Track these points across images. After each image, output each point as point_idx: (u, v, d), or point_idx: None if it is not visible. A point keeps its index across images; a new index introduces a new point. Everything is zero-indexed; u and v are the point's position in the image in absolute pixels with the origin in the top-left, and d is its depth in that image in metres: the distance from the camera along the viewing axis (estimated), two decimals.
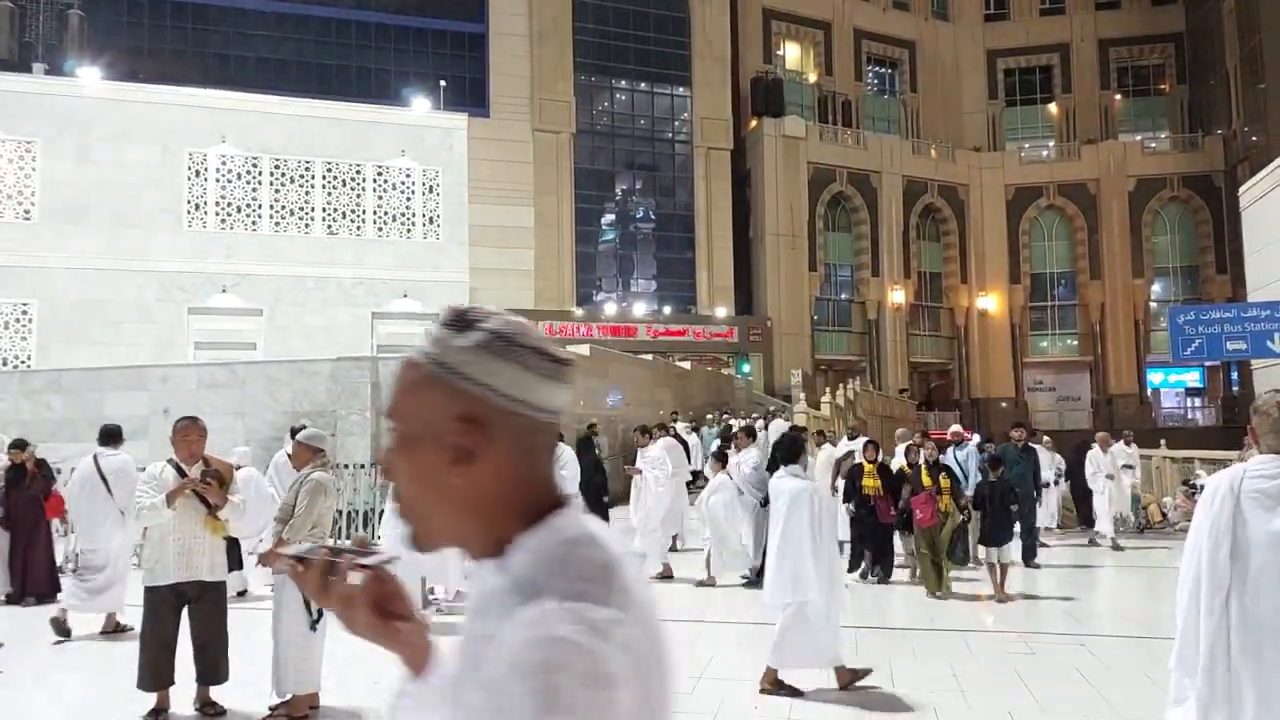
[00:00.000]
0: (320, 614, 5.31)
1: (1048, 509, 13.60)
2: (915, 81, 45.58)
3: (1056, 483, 14.16)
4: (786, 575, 5.93)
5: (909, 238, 42.22)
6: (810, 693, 6.02)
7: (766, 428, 19.16)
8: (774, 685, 5.97)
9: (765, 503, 10.23)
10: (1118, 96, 45.51)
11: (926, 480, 9.67)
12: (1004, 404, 43.09)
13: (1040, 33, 45.71)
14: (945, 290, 43.91)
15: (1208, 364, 39.59)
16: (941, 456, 10.59)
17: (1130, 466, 14.58)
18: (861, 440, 14.26)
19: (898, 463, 11.51)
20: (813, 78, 43.56)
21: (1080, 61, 45.30)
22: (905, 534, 10.40)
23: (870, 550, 10.37)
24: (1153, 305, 42.97)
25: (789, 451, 6.53)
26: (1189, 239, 43.29)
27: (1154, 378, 43.34)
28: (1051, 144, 45.20)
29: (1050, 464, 13.98)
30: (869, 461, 10.54)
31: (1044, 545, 12.87)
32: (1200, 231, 42.82)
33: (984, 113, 46.04)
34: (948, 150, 43.71)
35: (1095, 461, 13.63)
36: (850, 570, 9.96)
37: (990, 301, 43.55)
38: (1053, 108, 46.01)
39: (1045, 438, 14.89)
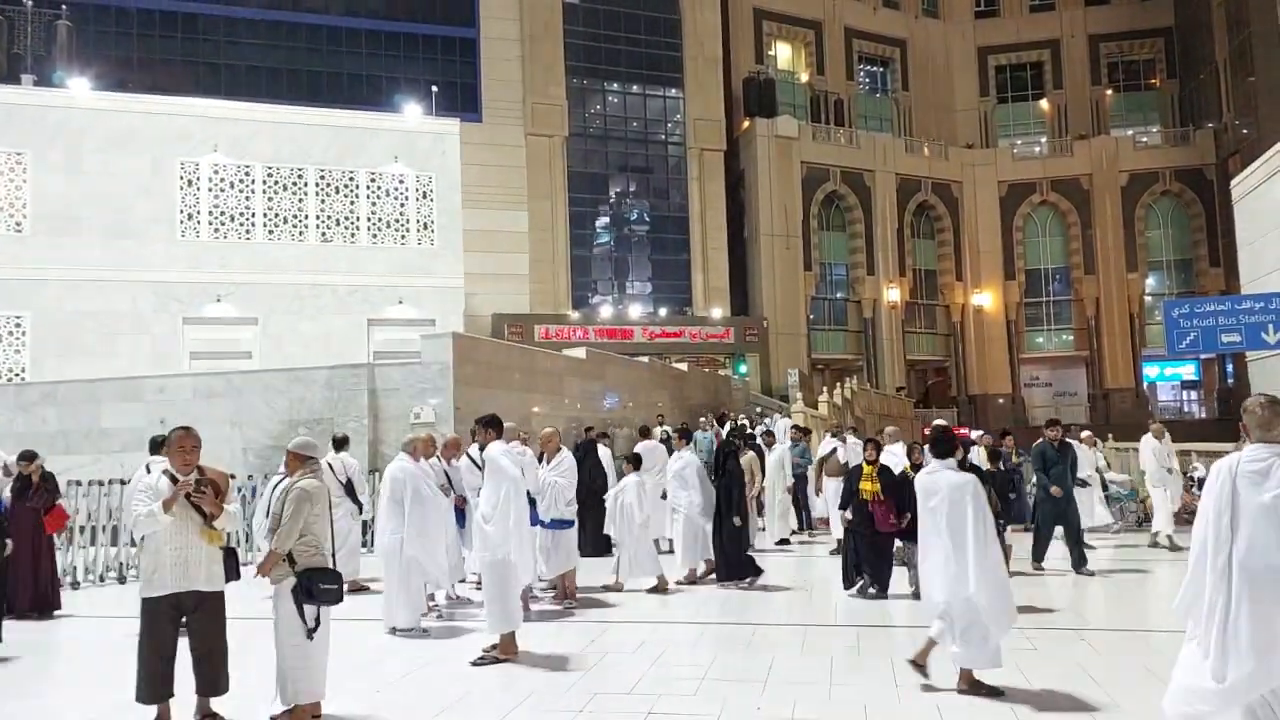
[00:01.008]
0: (316, 624, 5.27)
1: (1090, 508, 12.95)
2: (907, 80, 45.69)
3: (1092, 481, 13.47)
4: (950, 573, 5.86)
5: (903, 236, 42.30)
6: (819, 692, 6.00)
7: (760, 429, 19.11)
8: (971, 685, 5.91)
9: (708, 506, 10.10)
10: (1109, 92, 45.67)
11: None
12: (1001, 400, 43.19)
13: (1030, 29, 45.89)
14: (940, 287, 44.00)
15: (1203, 357, 39.70)
16: (968, 458, 9.52)
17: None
18: (853, 441, 14.07)
19: (896, 463, 11.50)
20: (805, 77, 43.64)
21: (1071, 57, 45.47)
22: (911, 543, 9.60)
23: (867, 563, 9.31)
24: (1147, 299, 43.10)
25: (944, 446, 6.28)
26: (1182, 232, 43.45)
27: (1150, 371, 43.44)
28: (1044, 140, 45.36)
29: (1091, 461, 13.44)
30: (868, 463, 9.55)
31: (1089, 546, 12.65)
32: (1193, 225, 42.99)
33: (976, 110, 46.17)
34: (940, 148, 43.82)
35: (1156, 453, 13.05)
36: (846, 586, 9.39)
37: (985, 298, 43.65)
38: (1044, 104, 46.17)
39: (1085, 433, 14.41)
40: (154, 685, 5.29)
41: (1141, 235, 43.19)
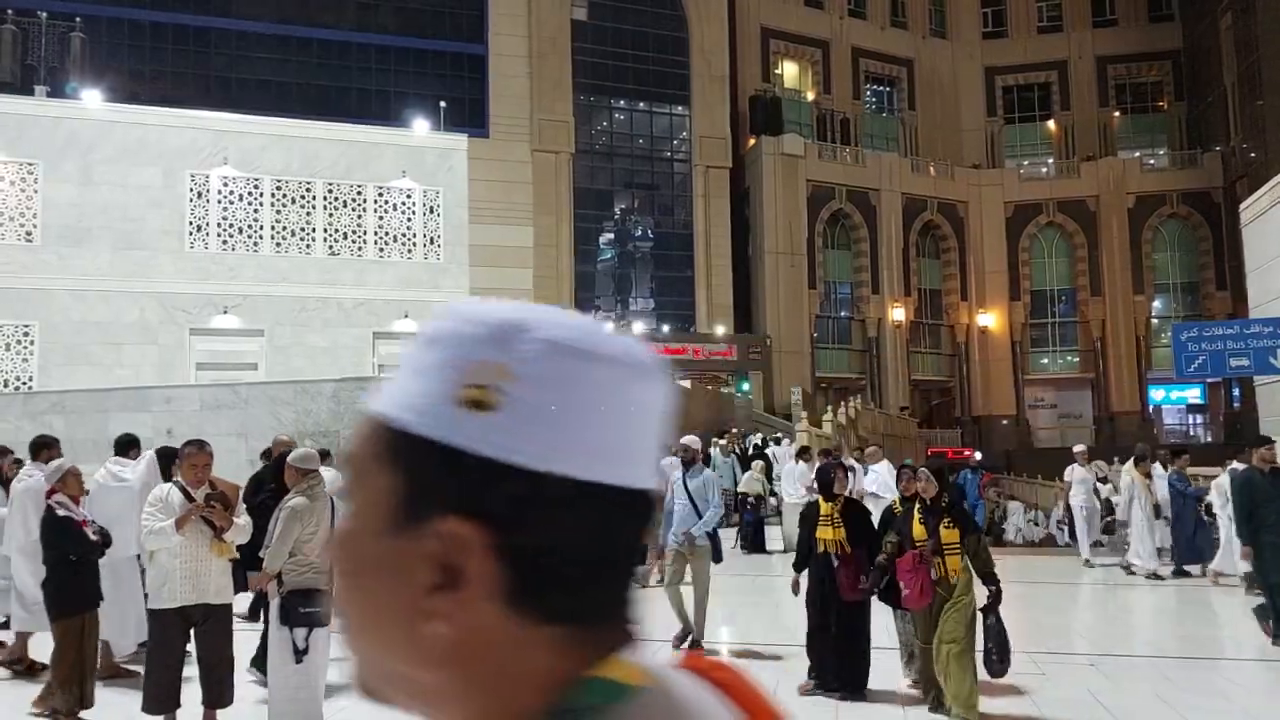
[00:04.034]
0: (306, 647, 5.18)
1: None
2: (914, 99, 45.83)
3: None
4: None
5: (909, 255, 42.33)
6: (828, 715, 5.96)
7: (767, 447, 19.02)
8: None
9: None
10: (1116, 114, 45.76)
11: (919, 530, 5.86)
12: (1005, 422, 43.07)
13: (1038, 50, 46.02)
14: (945, 307, 43.96)
15: (1210, 381, 39.58)
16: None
17: None
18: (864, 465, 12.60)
19: (882, 488, 10.74)
20: (811, 96, 43.81)
21: (1079, 79, 45.60)
22: (905, 612, 6.31)
23: (820, 648, 6.44)
24: (1154, 322, 43.03)
25: None
26: (1189, 255, 43.42)
27: (1156, 394, 43.31)
28: (1050, 161, 45.41)
29: None
30: (825, 497, 6.53)
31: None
32: (1200, 248, 42.96)
33: (983, 130, 46.27)
34: (947, 168, 43.89)
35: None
36: (815, 681, 6.51)
37: (990, 319, 43.60)
38: (1051, 125, 46.27)
39: None
40: (162, 697, 5.28)
41: (1148, 257, 43.16)
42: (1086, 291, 43.23)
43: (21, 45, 28.04)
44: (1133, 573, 11.82)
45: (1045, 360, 44.70)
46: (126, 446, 7.90)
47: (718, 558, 7.63)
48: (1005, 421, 42.98)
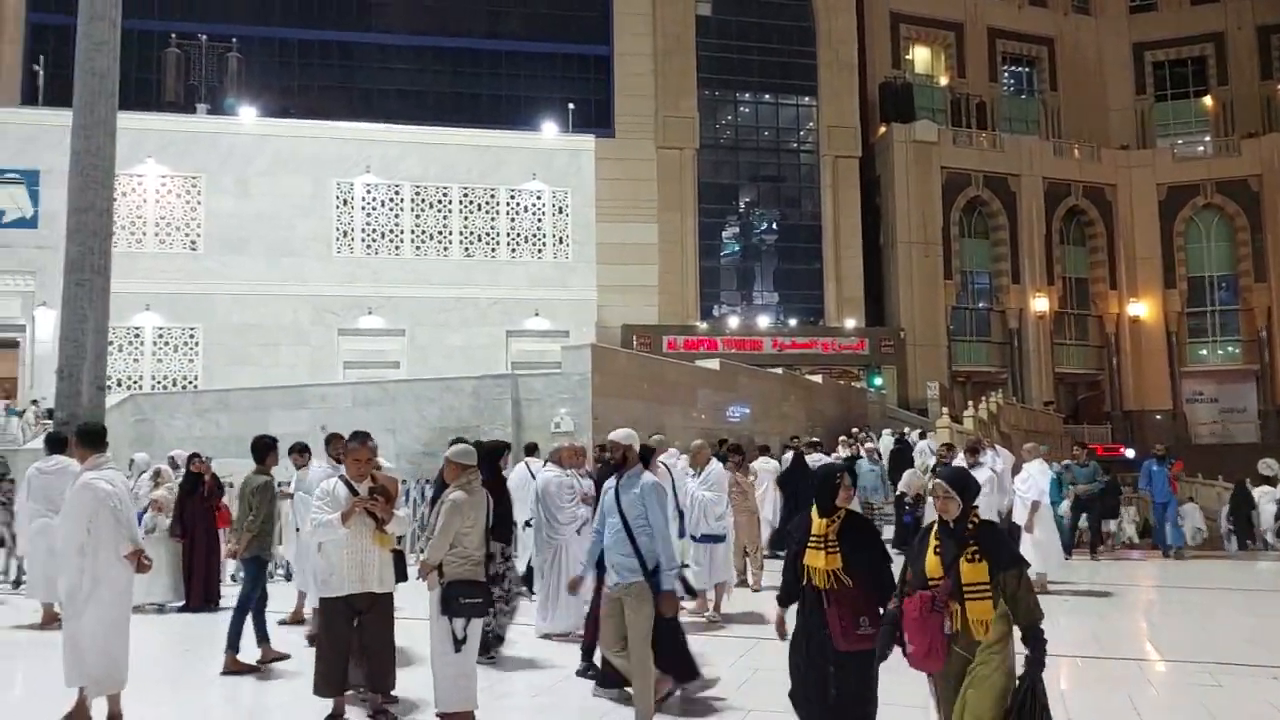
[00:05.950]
0: (464, 636, 5.32)
1: None
2: (1055, 79, 43.74)
3: None
4: None
5: (1051, 242, 40.41)
6: None
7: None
8: None
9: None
10: None
11: (932, 563, 4.06)
12: (1159, 416, 40.56)
13: (1192, 22, 43.17)
14: (1093, 297, 41.75)
15: None
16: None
17: None
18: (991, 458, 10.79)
19: (1028, 489, 9.88)
20: (944, 80, 42.40)
21: (1237, 51, 42.48)
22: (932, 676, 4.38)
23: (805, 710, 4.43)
24: None
25: None
26: None
27: None
28: (1207, 139, 42.48)
29: None
30: (822, 510, 4.42)
31: None
32: None
33: (1131, 109, 43.69)
34: (1092, 150, 41.66)
35: None
36: None
37: (1142, 308, 41.13)
38: (1208, 101, 43.27)
39: None
40: (331, 679, 5.58)
41: None
42: (1250, 277, 40.21)
43: (184, 67, 30.18)
44: None
45: (1204, 351, 41.83)
46: (298, 451, 8.40)
47: (691, 592, 5.72)
48: (1159, 416, 40.44)
